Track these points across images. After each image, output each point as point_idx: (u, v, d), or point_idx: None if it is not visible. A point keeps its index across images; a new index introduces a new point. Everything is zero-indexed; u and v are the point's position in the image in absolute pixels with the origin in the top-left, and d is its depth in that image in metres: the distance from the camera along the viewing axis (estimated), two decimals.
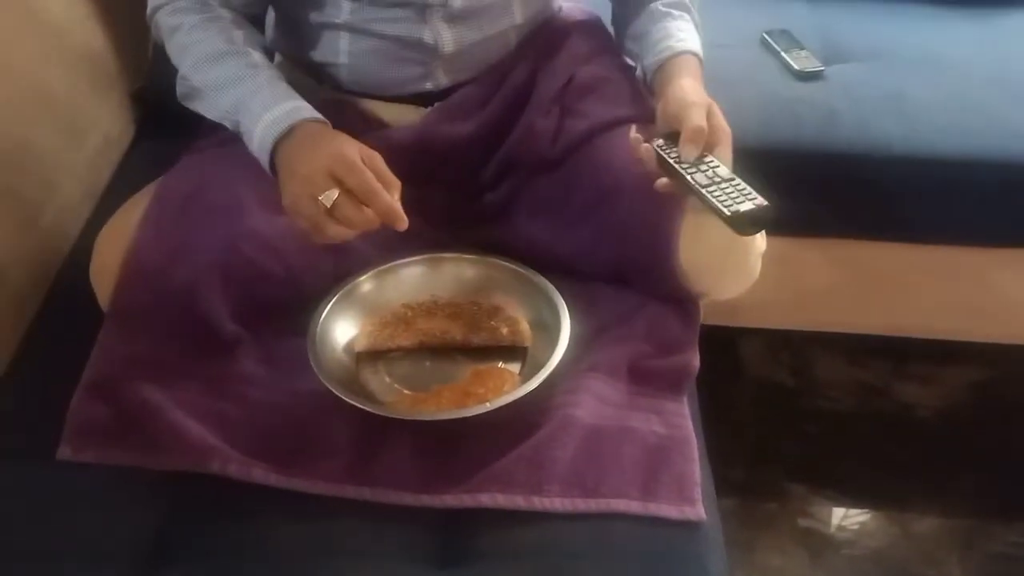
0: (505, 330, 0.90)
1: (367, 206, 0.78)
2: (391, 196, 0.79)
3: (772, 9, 1.47)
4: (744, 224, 0.82)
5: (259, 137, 0.86)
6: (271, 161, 0.86)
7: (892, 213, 1.29)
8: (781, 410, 1.50)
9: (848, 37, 1.43)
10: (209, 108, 0.92)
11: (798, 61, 1.33)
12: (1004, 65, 1.38)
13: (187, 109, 0.97)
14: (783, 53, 1.35)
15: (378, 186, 0.78)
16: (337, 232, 0.79)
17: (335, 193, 0.78)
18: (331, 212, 0.78)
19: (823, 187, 1.26)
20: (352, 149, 0.81)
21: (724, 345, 1.51)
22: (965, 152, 1.25)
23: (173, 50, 0.95)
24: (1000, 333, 1.46)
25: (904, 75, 1.34)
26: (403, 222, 0.79)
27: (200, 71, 0.91)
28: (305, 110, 0.87)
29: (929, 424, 1.48)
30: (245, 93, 0.89)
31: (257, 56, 0.92)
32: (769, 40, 1.38)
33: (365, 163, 0.80)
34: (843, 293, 1.42)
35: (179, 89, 0.96)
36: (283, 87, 0.90)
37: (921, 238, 1.33)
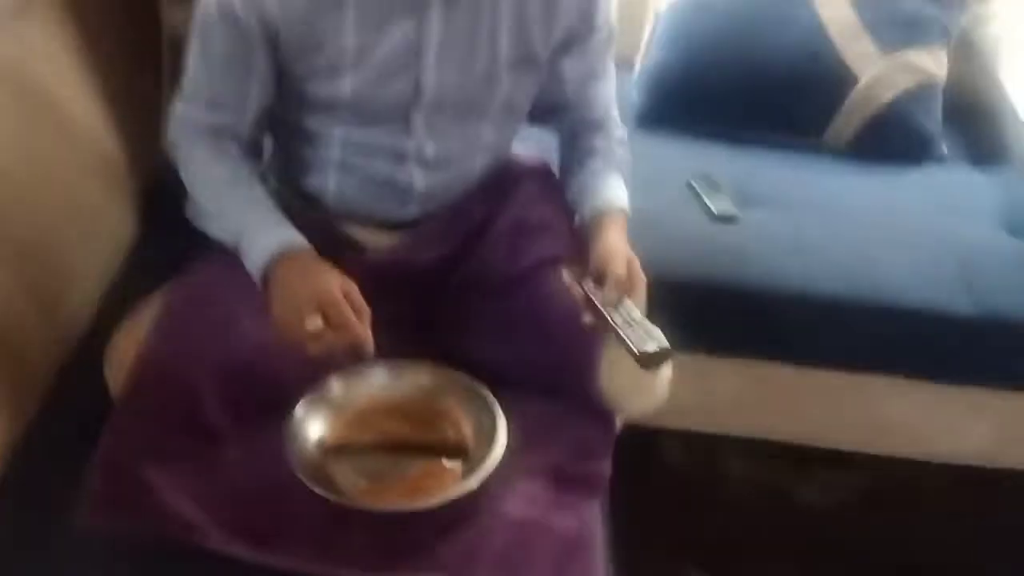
0: (451, 432, 1.07)
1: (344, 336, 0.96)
2: (363, 324, 0.97)
3: (701, 155, 1.64)
4: (648, 362, 1.01)
5: (255, 259, 1.04)
6: (264, 279, 1.04)
7: (790, 340, 1.46)
8: (693, 505, 1.63)
9: (761, 184, 1.60)
10: (215, 230, 1.10)
11: (717, 205, 1.50)
12: (891, 214, 1.56)
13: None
14: (705, 198, 1.52)
15: (353, 320, 0.96)
16: (317, 350, 0.97)
17: (319, 322, 0.95)
18: (314, 336, 0.96)
19: (732, 315, 1.44)
20: (335, 284, 0.99)
21: (644, 444, 1.64)
22: (851, 291, 1.42)
23: (188, 177, 1.13)
24: (882, 445, 1.61)
25: (805, 220, 1.52)
26: (369, 351, 0.97)
27: (211, 200, 1.09)
28: (295, 239, 1.05)
29: (824, 522, 1.63)
30: (246, 221, 1.07)
31: (258, 190, 1.10)
32: (694, 185, 1.55)
33: (344, 295, 0.98)
34: (750, 404, 1.57)
35: (190, 210, 1.13)
36: (277, 217, 1.08)
37: (814, 362, 1.49)
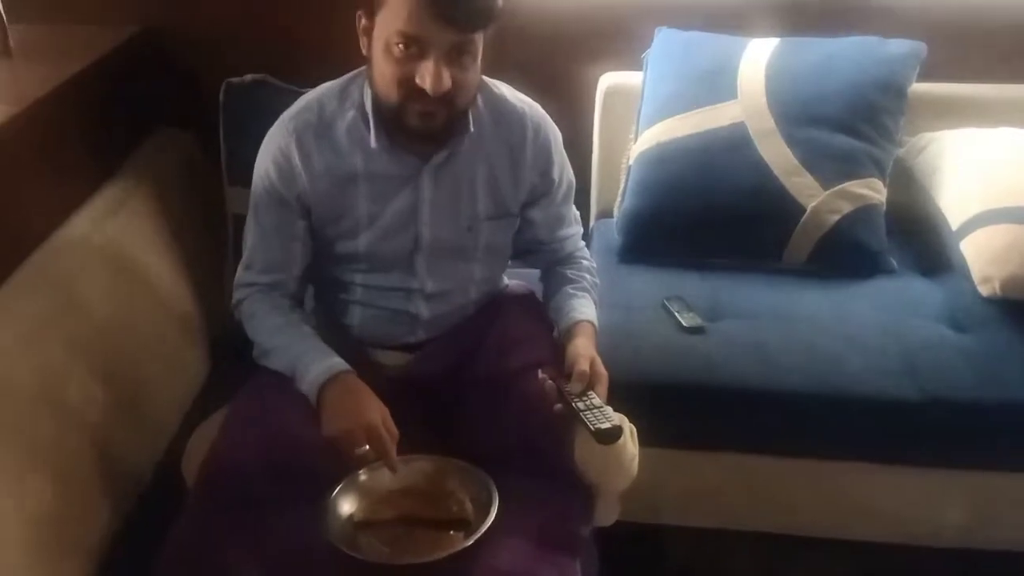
0: (455, 509, 1.30)
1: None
2: (393, 446, 1.25)
3: (674, 280, 1.84)
4: (603, 437, 1.25)
5: (310, 381, 1.31)
6: (317, 397, 1.31)
7: (759, 433, 1.63)
8: None
9: (729, 301, 1.78)
10: (274, 362, 1.38)
11: (686, 320, 1.70)
12: (844, 319, 1.72)
13: (250, 353, 1.43)
14: (676, 314, 1.71)
15: (390, 448, 1.24)
16: (358, 464, 1.25)
17: (366, 449, 1.24)
18: (359, 456, 1.24)
19: (705, 412, 1.62)
20: (378, 417, 1.26)
21: (649, 539, 1.81)
22: (809, 386, 1.58)
23: (251, 327, 1.42)
24: (864, 531, 1.73)
25: (766, 329, 1.68)
26: (396, 468, 1.26)
27: (271, 340, 1.39)
28: (341, 364, 1.33)
29: None
30: (299, 353, 1.35)
31: (307, 329, 1.40)
32: (667, 304, 1.75)
33: (383, 423, 1.26)
34: (740, 496, 1.73)
35: (255, 352, 1.42)
36: (325, 348, 1.36)
37: (786, 452, 1.65)
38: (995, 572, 1.76)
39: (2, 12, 1.68)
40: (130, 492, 1.38)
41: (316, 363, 1.33)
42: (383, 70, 1.27)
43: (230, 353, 1.66)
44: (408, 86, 1.26)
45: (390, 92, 1.29)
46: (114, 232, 1.56)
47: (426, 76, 1.23)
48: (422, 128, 1.31)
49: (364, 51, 1.33)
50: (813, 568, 1.82)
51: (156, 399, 1.52)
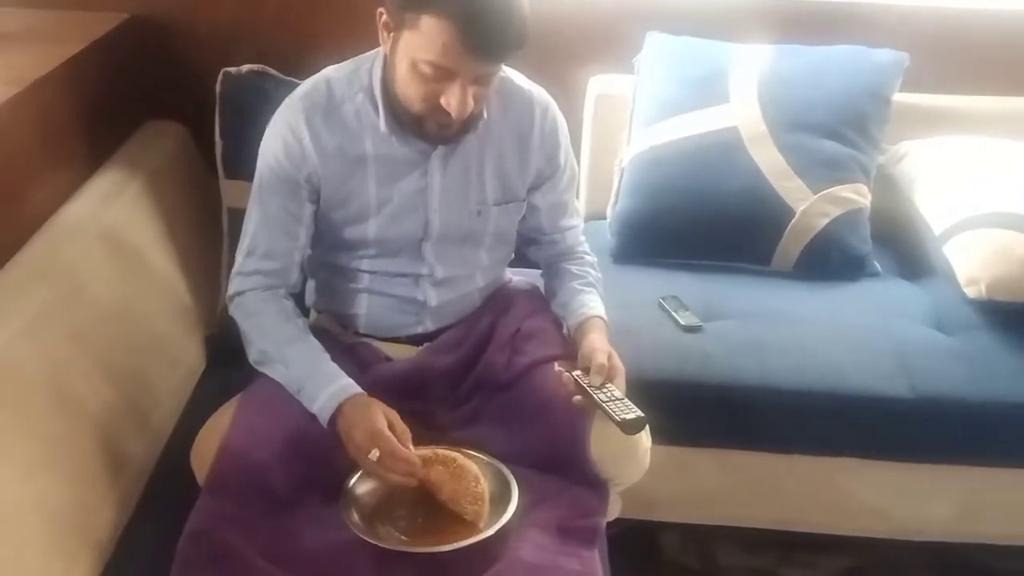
0: (474, 485, 1.26)
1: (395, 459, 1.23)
2: (407, 446, 1.23)
3: (668, 280, 1.86)
4: (628, 427, 1.26)
5: (324, 405, 1.28)
6: (331, 420, 1.28)
7: (754, 429, 1.65)
8: None
9: (722, 301, 1.80)
10: (279, 375, 1.34)
11: (684, 319, 1.72)
12: (834, 319, 1.76)
13: (242, 350, 1.38)
14: (673, 313, 1.73)
15: (398, 446, 1.23)
16: (381, 475, 1.24)
17: (377, 454, 1.22)
18: (378, 463, 1.22)
19: (702, 409, 1.63)
20: (382, 420, 1.24)
21: (645, 536, 1.84)
22: (802, 383, 1.61)
23: (252, 328, 1.37)
24: (856, 527, 1.77)
25: (762, 328, 1.71)
26: (418, 468, 1.24)
27: (277, 349, 1.34)
28: (350, 386, 1.29)
29: None
30: (309, 372, 1.31)
31: (314, 342, 1.36)
32: (663, 303, 1.76)
33: (389, 424, 1.24)
34: (732, 492, 1.75)
35: (253, 356, 1.37)
36: (335, 368, 1.32)
37: (781, 448, 1.68)
38: (983, 565, 1.81)
39: None
40: (135, 485, 1.34)
41: (325, 389, 1.30)
42: (407, 85, 1.28)
43: (224, 349, 1.63)
44: (432, 103, 1.27)
45: (412, 104, 1.30)
46: (112, 221, 1.52)
47: (452, 101, 1.24)
48: (439, 134, 1.33)
49: (384, 47, 1.32)
50: (806, 563, 1.85)
51: (157, 391, 1.48)
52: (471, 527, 1.24)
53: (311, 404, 1.29)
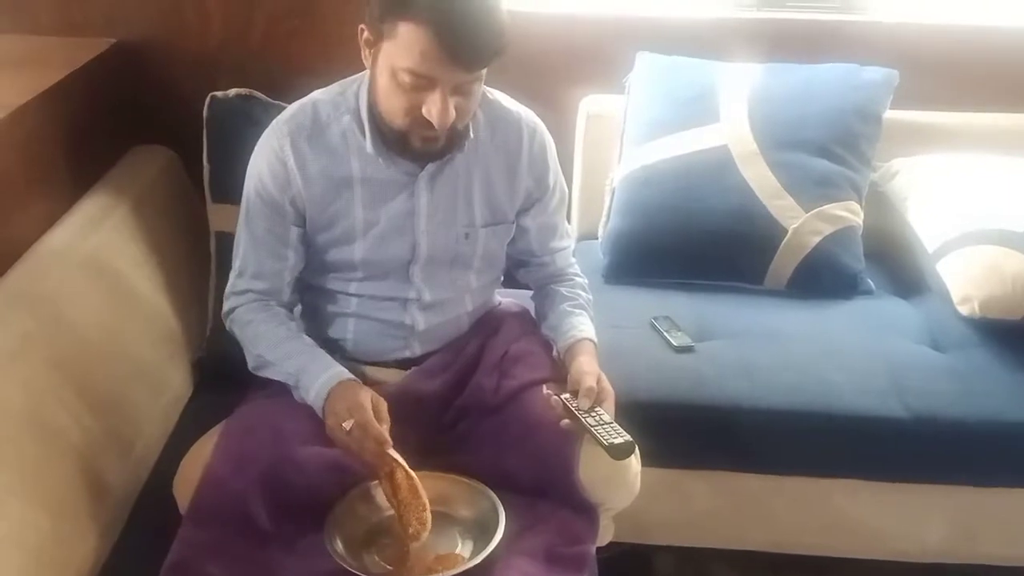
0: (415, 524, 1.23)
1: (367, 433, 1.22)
2: (381, 427, 1.23)
3: (660, 300, 1.85)
4: (616, 452, 1.25)
5: (318, 391, 1.30)
6: (323, 406, 1.29)
7: (747, 450, 1.63)
8: None
9: (715, 321, 1.79)
10: (277, 373, 1.36)
11: (676, 339, 1.71)
12: (827, 338, 1.75)
13: (231, 374, 1.39)
14: (665, 333, 1.73)
15: (371, 419, 1.23)
16: (353, 445, 1.23)
17: (350, 423, 1.22)
18: (349, 435, 1.21)
19: (694, 430, 1.62)
20: (366, 397, 1.26)
21: (639, 559, 1.82)
22: (795, 403, 1.60)
23: (248, 336, 1.40)
24: (850, 548, 1.75)
25: (753, 348, 1.70)
26: (388, 443, 1.23)
27: (272, 351, 1.37)
28: (344, 373, 1.33)
29: None
30: (304, 363, 1.34)
31: (307, 338, 1.39)
32: (655, 324, 1.76)
33: (373, 405, 1.24)
34: (725, 514, 1.74)
35: (252, 363, 1.40)
36: (328, 358, 1.35)
37: (774, 470, 1.67)
38: None
39: None
40: (117, 515, 1.32)
41: (324, 372, 1.33)
42: (389, 97, 1.28)
43: (212, 374, 1.62)
44: (414, 115, 1.27)
45: (395, 118, 1.30)
46: (95, 247, 1.51)
47: (432, 110, 1.25)
48: (424, 149, 1.33)
49: (366, 63, 1.32)
50: None
51: (140, 420, 1.47)
52: (457, 557, 1.22)
53: (307, 394, 1.32)
